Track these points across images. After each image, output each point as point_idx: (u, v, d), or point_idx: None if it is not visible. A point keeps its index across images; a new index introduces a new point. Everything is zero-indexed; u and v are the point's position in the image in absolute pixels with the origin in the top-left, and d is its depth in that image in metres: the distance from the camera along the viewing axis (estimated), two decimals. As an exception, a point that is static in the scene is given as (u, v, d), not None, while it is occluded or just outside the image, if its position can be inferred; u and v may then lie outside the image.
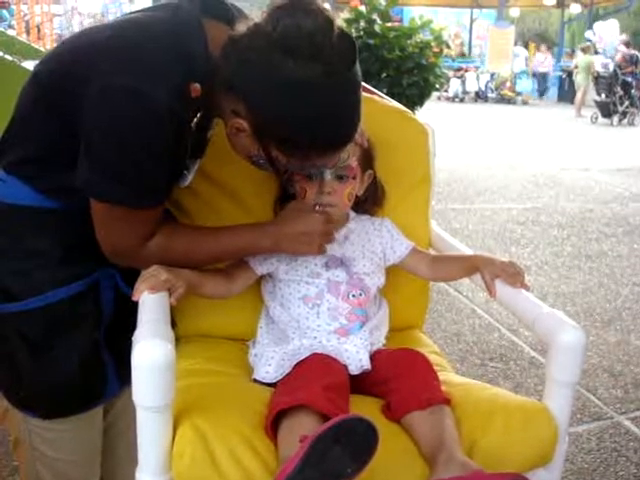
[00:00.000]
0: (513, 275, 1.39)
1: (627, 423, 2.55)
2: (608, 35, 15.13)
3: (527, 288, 1.39)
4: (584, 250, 4.72)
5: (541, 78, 19.44)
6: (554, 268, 4.31)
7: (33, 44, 4.18)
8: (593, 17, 20.20)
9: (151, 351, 1.01)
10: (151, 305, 1.15)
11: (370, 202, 1.59)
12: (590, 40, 17.25)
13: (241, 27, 1.15)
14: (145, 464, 1.08)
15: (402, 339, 1.56)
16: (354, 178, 1.45)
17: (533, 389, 2.76)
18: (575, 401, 2.63)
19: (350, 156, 1.42)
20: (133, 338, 1.06)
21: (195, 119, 1.21)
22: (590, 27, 19.38)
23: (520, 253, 4.58)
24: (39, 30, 9.59)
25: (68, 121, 1.17)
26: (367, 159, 1.51)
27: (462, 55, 21.59)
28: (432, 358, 1.48)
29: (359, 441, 1.02)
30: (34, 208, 1.28)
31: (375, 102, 1.71)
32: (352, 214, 1.55)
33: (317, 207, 1.40)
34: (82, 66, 1.17)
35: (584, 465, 2.27)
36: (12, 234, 1.31)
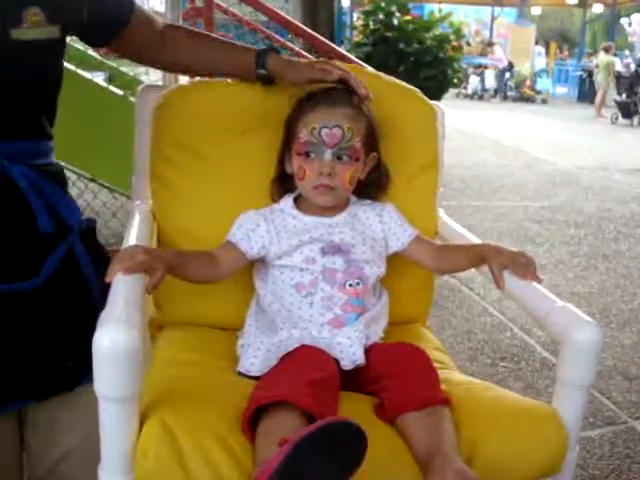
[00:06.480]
0: (523, 266, 1.27)
1: (641, 429, 2.43)
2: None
3: (539, 280, 1.27)
4: (601, 250, 4.59)
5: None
6: (570, 267, 4.19)
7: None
8: (615, 17, 19.92)
9: (114, 336, 0.91)
10: (123, 287, 1.04)
11: (373, 187, 1.47)
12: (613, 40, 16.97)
13: None
14: (107, 461, 0.98)
15: (403, 333, 1.44)
16: (357, 160, 1.35)
17: (544, 391, 2.64)
18: (588, 405, 2.52)
19: (354, 136, 1.32)
20: (98, 321, 0.95)
21: None
22: (613, 26, 19.09)
23: (535, 252, 4.44)
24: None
25: None
26: (371, 140, 1.40)
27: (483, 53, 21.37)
28: (434, 355, 1.38)
29: (345, 449, 0.90)
30: None
31: (380, 78, 1.60)
32: (353, 199, 1.44)
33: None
34: None
35: (595, 472, 2.16)
36: None
